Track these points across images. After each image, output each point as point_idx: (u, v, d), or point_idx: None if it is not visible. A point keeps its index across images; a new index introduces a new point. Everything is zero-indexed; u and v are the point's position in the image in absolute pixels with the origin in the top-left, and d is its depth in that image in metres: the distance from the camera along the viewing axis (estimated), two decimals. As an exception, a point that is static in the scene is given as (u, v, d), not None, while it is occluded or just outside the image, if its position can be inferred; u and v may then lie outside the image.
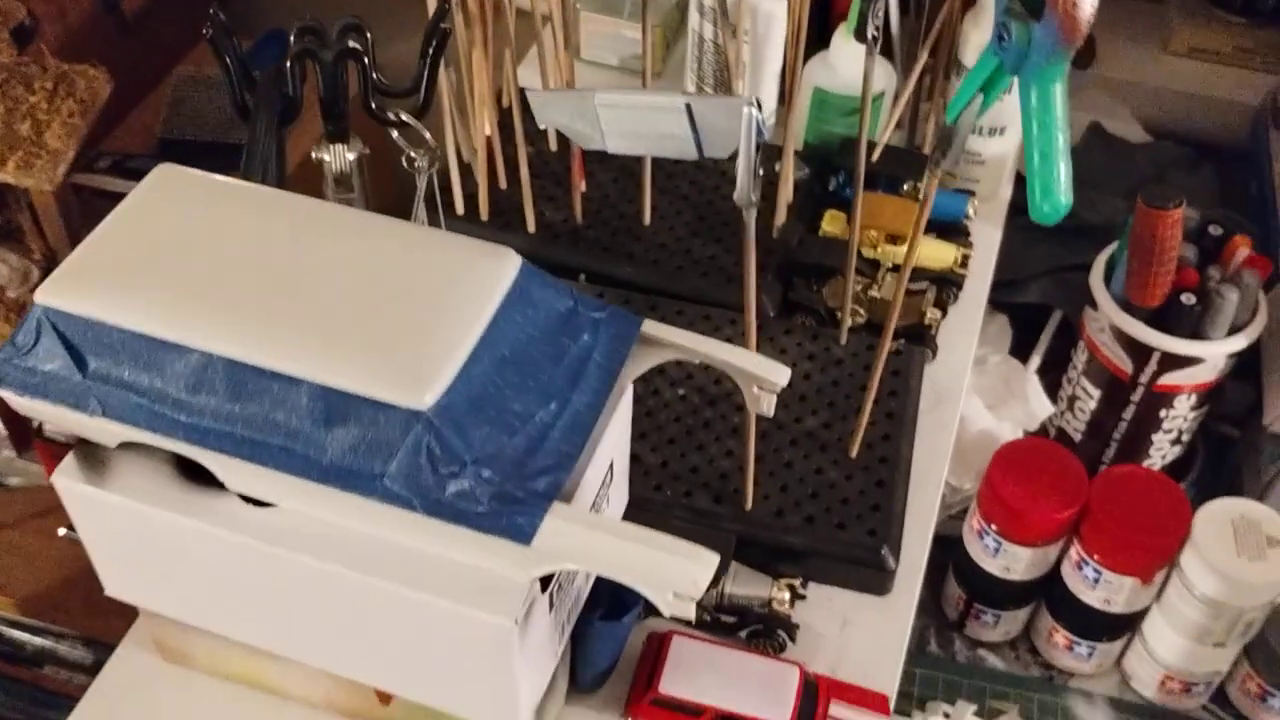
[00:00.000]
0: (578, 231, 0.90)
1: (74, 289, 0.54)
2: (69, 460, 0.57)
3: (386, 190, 0.83)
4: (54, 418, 0.56)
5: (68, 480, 0.57)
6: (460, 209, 0.91)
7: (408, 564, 0.54)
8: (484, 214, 0.91)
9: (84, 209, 1.14)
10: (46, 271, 1.12)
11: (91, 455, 0.58)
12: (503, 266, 0.55)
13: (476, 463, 0.50)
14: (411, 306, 0.53)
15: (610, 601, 0.66)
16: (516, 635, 0.53)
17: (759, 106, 0.54)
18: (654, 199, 0.91)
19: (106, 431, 0.55)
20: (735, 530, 0.73)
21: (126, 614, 1.36)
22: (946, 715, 1.02)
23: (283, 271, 0.54)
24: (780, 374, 0.58)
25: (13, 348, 0.55)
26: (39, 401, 0.55)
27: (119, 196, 1.25)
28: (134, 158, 1.30)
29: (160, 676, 0.70)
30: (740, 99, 0.54)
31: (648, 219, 0.91)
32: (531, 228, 0.90)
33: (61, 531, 1.41)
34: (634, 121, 0.57)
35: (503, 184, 0.93)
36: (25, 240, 1.12)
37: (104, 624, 1.30)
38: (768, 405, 0.59)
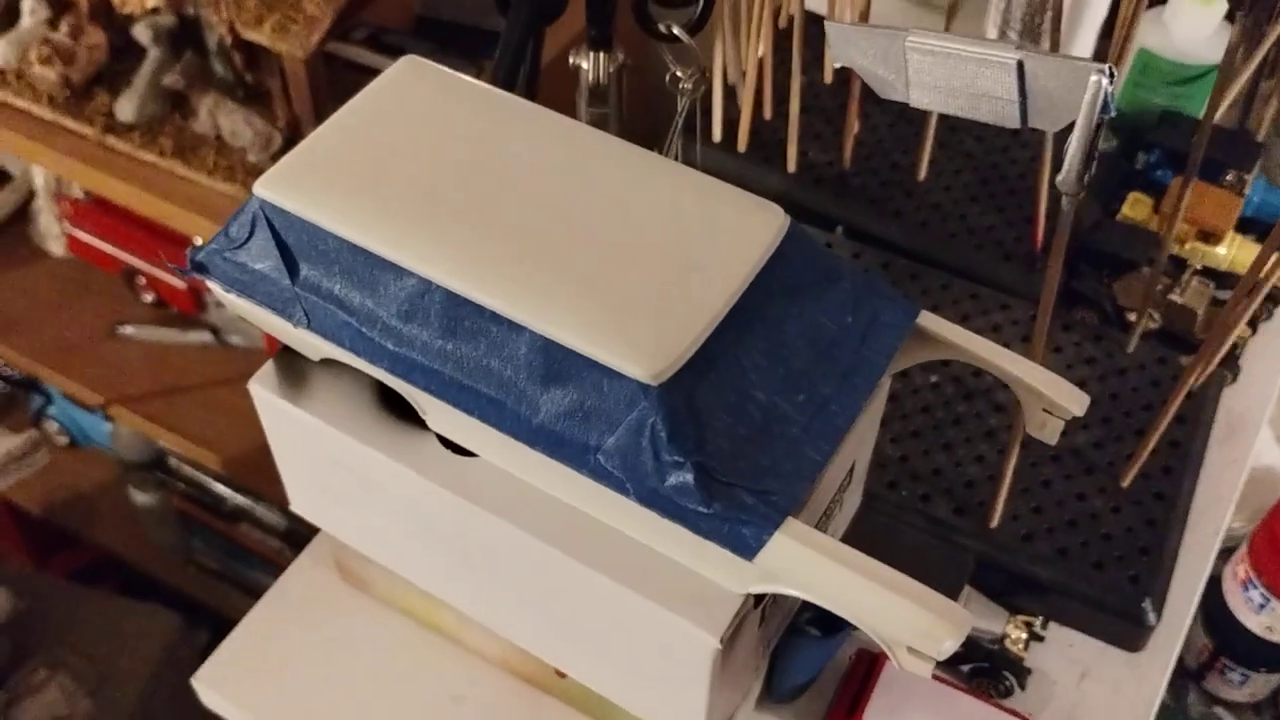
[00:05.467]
0: (843, 178, 0.81)
1: (296, 185, 0.48)
2: (268, 368, 0.53)
3: (642, 108, 0.75)
4: (258, 319, 0.51)
5: (264, 390, 0.52)
6: (717, 136, 0.83)
7: (609, 549, 0.47)
8: (741, 144, 0.83)
9: (333, 80, 1.11)
10: (289, 140, 1.10)
11: (293, 365, 0.53)
12: (766, 224, 0.47)
13: (705, 455, 0.43)
14: (658, 261, 0.45)
15: (822, 612, 0.59)
16: (720, 655, 0.46)
17: (1110, 76, 0.44)
18: (933, 153, 0.81)
19: (309, 345, 0.51)
20: (975, 549, 0.64)
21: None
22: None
23: (523, 200, 0.47)
24: (1078, 402, 0.48)
25: (225, 239, 0.50)
26: (245, 300, 0.51)
27: (370, 71, 1.22)
28: (390, 32, 1.26)
29: (335, 595, 0.66)
30: (1088, 63, 0.44)
31: (923, 174, 0.81)
32: (792, 166, 0.82)
33: (273, 397, 1.41)
34: (949, 73, 0.48)
35: (767, 114, 0.85)
36: (272, 105, 1.10)
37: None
38: (1052, 432, 0.50)
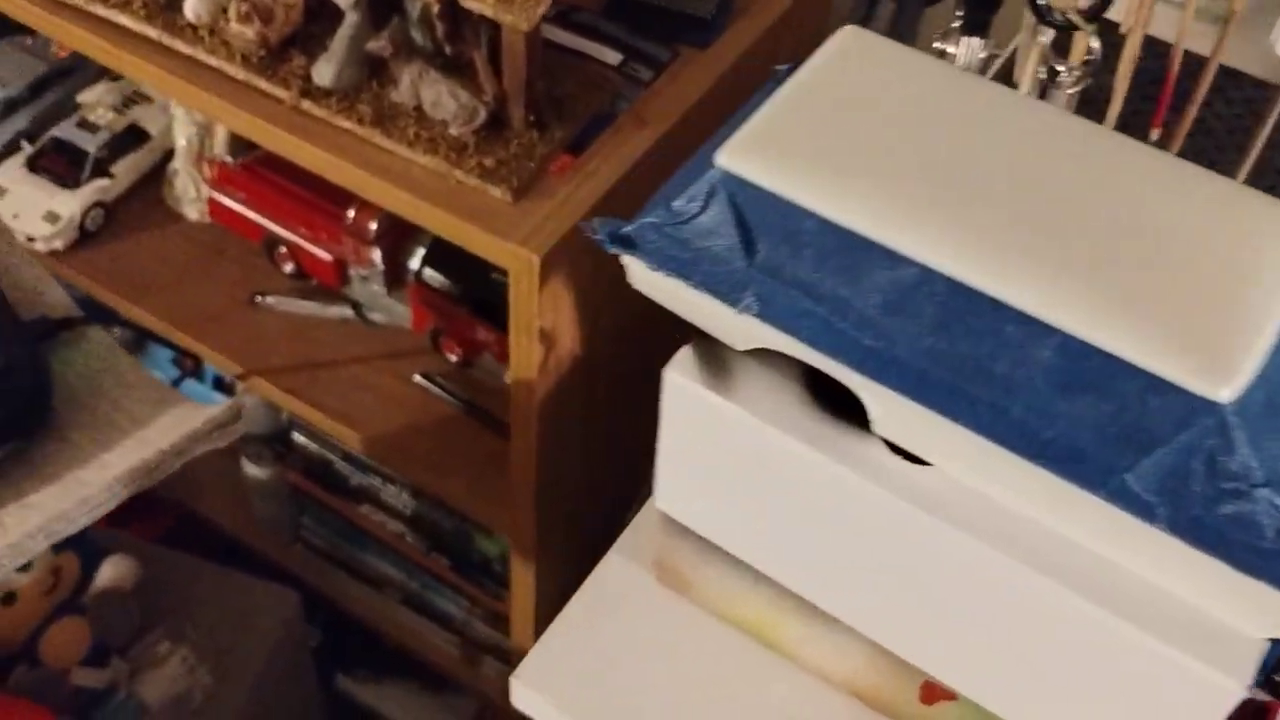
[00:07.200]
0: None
1: (766, 159, 0.44)
2: (686, 355, 0.49)
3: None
4: (683, 303, 0.47)
5: (682, 378, 0.48)
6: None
7: (1097, 578, 0.43)
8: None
9: (527, 56, 1.07)
10: (493, 115, 1.05)
11: (709, 354, 0.49)
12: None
13: (1270, 485, 0.39)
14: (1199, 268, 0.41)
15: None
16: (1236, 701, 0.42)
17: None
18: None
19: (740, 333, 0.46)
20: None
21: (469, 478, 1.32)
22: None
23: (1026, 189, 0.43)
24: None
25: (667, 212, 0.46)
26: (675, 279, 0.46)
27: (563, 49, 1.17)
28: (580, 11, 1.22)
29: (651, 597, 0.62)
30: None
31: None
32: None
33: (417, 378, 1.38)
34: None
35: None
36: (476, 78, 1.05)
37: (440, 481, 1.26)
38: None
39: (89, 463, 0.94)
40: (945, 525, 0.44)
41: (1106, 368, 0.40)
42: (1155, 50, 0.74)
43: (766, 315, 0.45)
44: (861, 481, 0.45)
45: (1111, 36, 0.78)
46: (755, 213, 0.44)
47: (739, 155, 0.44)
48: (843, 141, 0.45)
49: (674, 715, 0.58)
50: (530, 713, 0.60)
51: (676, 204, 0.45)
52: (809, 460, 0.46)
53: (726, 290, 0.45)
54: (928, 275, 0.42)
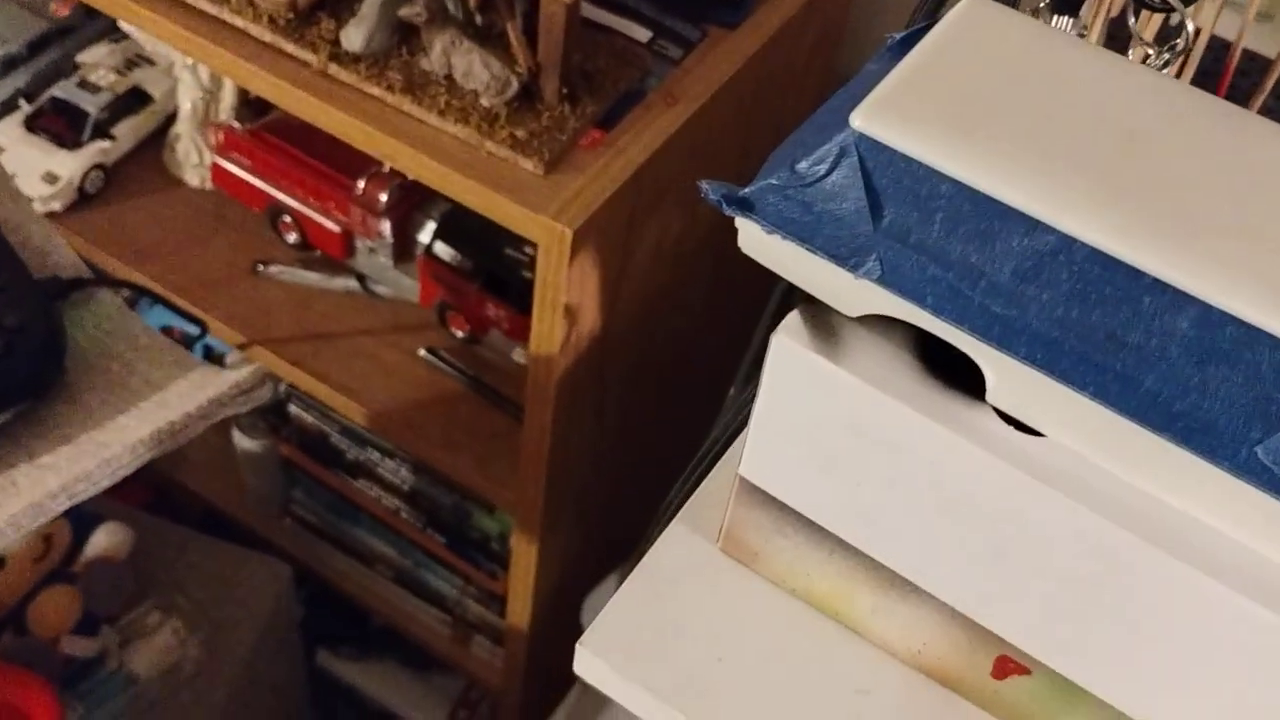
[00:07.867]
0: None
1: (903, 121, 0.44)
2: (795, 320, 0.48)
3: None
4: (795, 267, 0.47)
5: (792, 342, 0.48)
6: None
7: (1210, 550, 0.43)
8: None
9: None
10: (525, 87, 1.05)
11: (817, 319, 0.49)
12: None
13: (1406, 459, 0.39)
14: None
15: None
16: (1355, 675, 0.42)
17: None
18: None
19: (853, 299, 0.46)
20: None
21: (476, 455, 1.31)
22: None
23: (1156, 157, 0.44)
24: None
25: (790, 174, 0.45)
26: (791, 242, 0.46)
27: (593, 24, 1.17)
28: (617, -11, 1.20)
29: (714, 567, 0.61)
30: None
31: None
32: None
33: (422, 352, 1.36)
34: None
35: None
36: (510, 49, 1.04)
37: (447, 457, 1.25)
38: None
39: (104, 425, 0.92)
40: (1059, 495, 0.45)
41: (1245, 338, 0.40)
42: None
43: (889, 281, 0.44)
44: (976, 450, 0.45)
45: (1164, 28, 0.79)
46: (886, 176, 0.44)
47: (876, 117, 0.44)
48: (979, 107, 0.44)
49: (737, 683, 0.58)
50: (593, 680, 0.59)
51: (801, 166, 0.45)
52: (920, 427, 0.46)
53: (847, 254, 0.45)
54: (1066, 243, 0.42)
